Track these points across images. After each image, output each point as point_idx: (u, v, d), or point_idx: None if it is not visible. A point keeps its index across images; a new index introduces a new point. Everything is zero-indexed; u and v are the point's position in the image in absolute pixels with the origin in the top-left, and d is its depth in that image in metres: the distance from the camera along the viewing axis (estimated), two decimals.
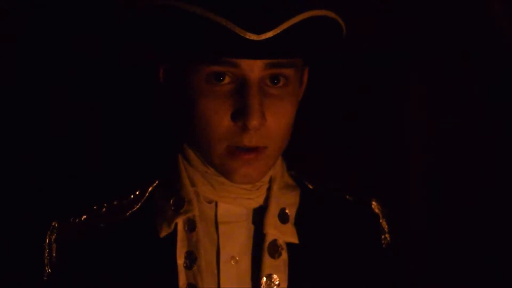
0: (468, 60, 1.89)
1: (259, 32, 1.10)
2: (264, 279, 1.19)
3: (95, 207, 1.26)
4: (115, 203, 1.26)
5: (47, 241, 1.24)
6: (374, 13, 1.85)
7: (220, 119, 1.14)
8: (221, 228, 1.21)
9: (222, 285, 1.19)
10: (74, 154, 1.80)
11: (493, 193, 1.89)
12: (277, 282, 1.19)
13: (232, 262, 1.20)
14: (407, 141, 1.92)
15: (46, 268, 1.24)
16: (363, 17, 1.81)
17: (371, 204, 1.32)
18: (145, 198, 1.26)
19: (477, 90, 1.90)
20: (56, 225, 1.25)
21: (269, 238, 1.20)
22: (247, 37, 1.09)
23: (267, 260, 1.19)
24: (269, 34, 1.10)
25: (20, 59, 1.79)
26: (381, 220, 1.31)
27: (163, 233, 1.20)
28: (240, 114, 1.13)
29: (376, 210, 1.32)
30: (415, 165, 1.93)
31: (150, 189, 1.26)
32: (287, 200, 1.25)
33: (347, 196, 1.32)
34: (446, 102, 1.91)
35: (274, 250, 1.20)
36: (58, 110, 1.80)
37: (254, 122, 1.12)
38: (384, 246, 1.30)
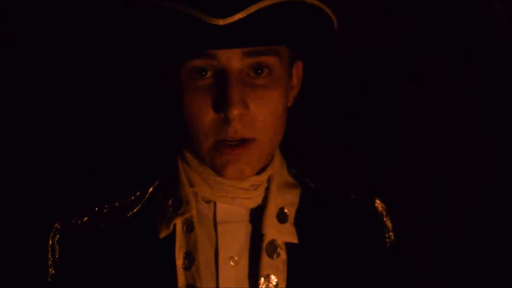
0: (468, 60, 1.88)
1: (224, 16, 1.08)
2: (262, 279, 1.18)
3: (96, 208, 1.27)
4: (116, 204, 1.27)
5: (50, 243, 1.24)
6: (374, 13, 1.85)
7: (204, 114, 1.14)
8: (220, 228, 1.21)
9: (220, 285, 1.19)
10: (74, 154, 1.80)
11: (493, 193, 1.88)
12: (274, 283, 1.19)
13: (231, 262, 1.20)
14: (407, 141, 1.92)
15: (50, 269, 1.24)
16: (363, 17, 1.81)
17: (374, 203, 1.32)
18: (145, 198, 1.26)
19: (477, 90, 1.89)
20: (58, 226, 1.25)
21: (267, 238, 1.20)
22: (212, 22, 1.08)
23: (265, 260, 1.19)
24: (235, 17, 1.08)
25: (20, 59, 1.79)
26: (385, 218, 1.31)
27: (162, 234, 1.20)
28: (222, 106, 1.12)
29: (380, 208, 1.32)
30: (415, 165, 1.92)
31: (150, 189, 1.27)
32: (286, 200, 1.25)
33: (350, 195, 1.32)
34: (446, 102, 1.90)
35: (273, 250, 1.20)
36: (58, 110, 1.80)
37: (234, 112, 1.12)
38: (388, 244, 1.30)
